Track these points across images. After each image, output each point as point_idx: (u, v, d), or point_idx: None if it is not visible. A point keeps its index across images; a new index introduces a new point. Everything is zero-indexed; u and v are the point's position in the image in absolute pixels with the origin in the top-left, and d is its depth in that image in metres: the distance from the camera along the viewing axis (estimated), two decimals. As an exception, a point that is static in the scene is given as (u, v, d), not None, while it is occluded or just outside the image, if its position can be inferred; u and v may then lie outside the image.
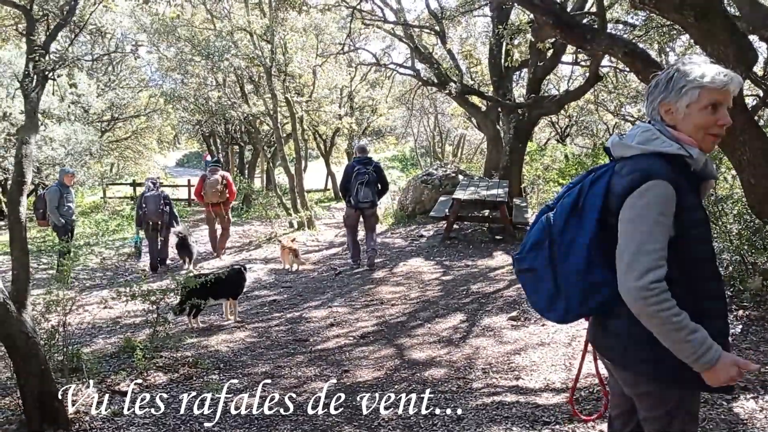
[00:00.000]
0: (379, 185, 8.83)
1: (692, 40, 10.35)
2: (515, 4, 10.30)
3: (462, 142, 27.29)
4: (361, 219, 8.97)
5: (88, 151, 15.71)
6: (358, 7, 12.74)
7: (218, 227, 10.85)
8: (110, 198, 23.03)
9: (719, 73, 1.88)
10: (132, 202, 20.97)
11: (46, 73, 4.32)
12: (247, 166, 23.71)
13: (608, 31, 6.90)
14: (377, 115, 22.06)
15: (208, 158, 35.63)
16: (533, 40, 8.30)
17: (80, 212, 16.90)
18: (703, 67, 1.90)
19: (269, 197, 18.05)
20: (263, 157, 22.59)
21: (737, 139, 5.06)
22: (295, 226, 14.02)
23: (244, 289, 6.91)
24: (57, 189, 9.43)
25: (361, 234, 9.54)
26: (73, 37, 7.68)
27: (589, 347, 2.30)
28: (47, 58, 4.39)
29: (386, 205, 15.59)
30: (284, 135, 16.44)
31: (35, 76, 4.32)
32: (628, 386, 2.07)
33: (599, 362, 2.33)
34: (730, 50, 4.72)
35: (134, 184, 23.11)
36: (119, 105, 20.54)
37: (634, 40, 7.62)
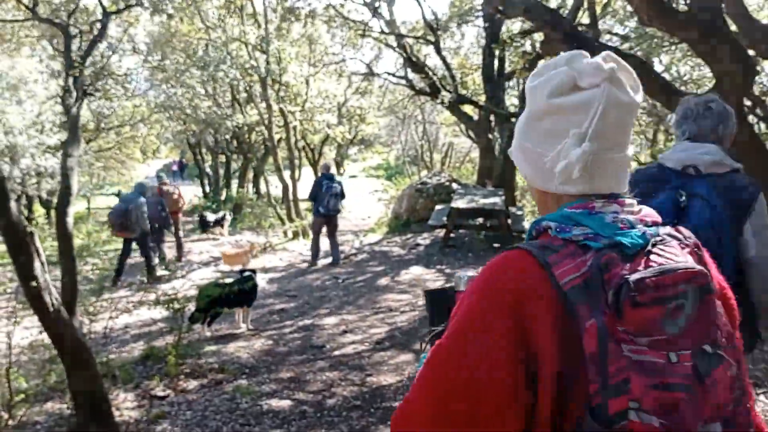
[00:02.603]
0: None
1: (680, 54, 10.71)
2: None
3: (450, 151, 27.51)
4: (325, 225, 10.20)
5: (80, 160, 15.63)
6: (362, 20, 12.99)
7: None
8: (94, 209, 22.81)
9: None
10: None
11: (86, 87, 4.43)
12: (237, 175, 23.72)
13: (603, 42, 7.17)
14: (366, 123, 22.23)
15: (175, 168, 35.70)
16: (541, 53, 8.57)
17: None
18: None
19: (261, 207, 18.06)
20: (251, 165, 22.59)
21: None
22: (290, 235, 14.05)
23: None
24: (145, 201, 9.74)
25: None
26: (110, 53, 7.84)
27: None
28: (85, 73, 4.49)
29: (380, 213, 15.78)
30: (276, 142, 16.54)
31: (75, 91, 4.41)
32: None
33: None
34: (733, 65, 4.97)
35: (119, 194, 22.88)
36: (104, 115, 20.41)
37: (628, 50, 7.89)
